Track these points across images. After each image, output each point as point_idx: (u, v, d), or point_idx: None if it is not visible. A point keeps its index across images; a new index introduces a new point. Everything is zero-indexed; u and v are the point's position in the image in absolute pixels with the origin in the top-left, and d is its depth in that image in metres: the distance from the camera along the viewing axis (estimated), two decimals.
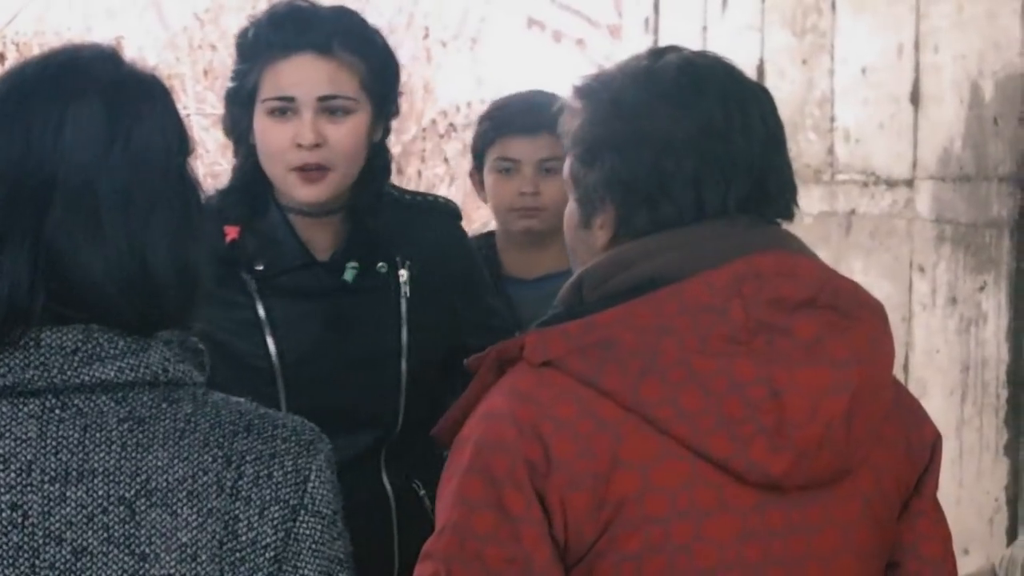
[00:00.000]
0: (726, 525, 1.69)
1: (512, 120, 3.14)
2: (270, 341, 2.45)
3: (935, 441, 1.85)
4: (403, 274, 2.51)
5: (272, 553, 1.49)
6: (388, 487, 2.52)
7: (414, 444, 2.53)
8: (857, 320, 1.75)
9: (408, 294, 2.50)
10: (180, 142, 1.57)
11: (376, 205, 2.54)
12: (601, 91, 1.81)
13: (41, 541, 1.46)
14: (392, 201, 2.58)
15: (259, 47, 2.47)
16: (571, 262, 1.89)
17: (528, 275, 3.13)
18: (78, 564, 1.46)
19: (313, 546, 1.51)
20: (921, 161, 3.62)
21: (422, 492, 2.56)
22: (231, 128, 2.55)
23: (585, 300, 1.77)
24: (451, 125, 12.91)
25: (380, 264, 2.50)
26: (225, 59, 13.06)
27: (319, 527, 1.52)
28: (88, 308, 1.50)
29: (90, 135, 1.50)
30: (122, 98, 1.53)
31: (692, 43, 5.18)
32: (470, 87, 15.20)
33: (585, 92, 1.83)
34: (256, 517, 1.49)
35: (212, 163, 12.48)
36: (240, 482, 1.49)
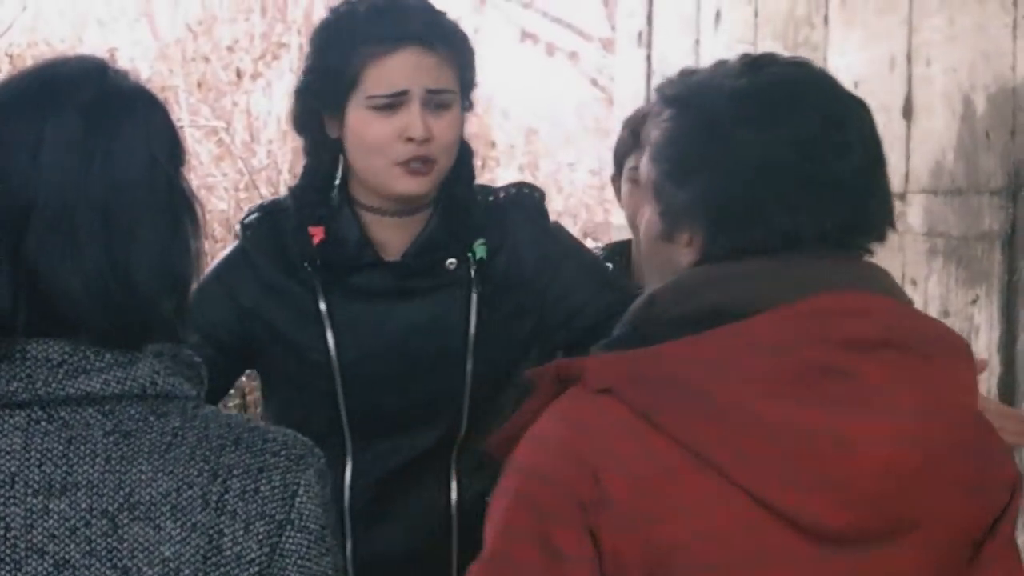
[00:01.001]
0: (780, 575, 1.61)
1: None
2: (330, 337, 2.42)
3: (1016, 482, 1.75)
4: (473, 271, 2.45)
5: (257, 568, 1.48)
6: (454, 496, 2.47)
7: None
8: (932, 360, 1.66)
9: (479, 290, 2.45)
10: (170, 154, 1.56)
11: (471, 198, 2.51)
12: (691, 103, 1.72)
13: (23, 554, 1.46)
14: (473, 202, 2.53)
15: (357, 40, 2.40)
16: (645, 274, 1.82)
17: None
18: None
19: (299, 562, 1.50)
20: (913, 174, 3.62)
21: None
22: (304, 125, 2.49)
23: (655, 321, 1.69)
24: None
25: (449, 261, 2.45)
26: (218, 71, 13.05)
27: (305, 543, 1.51)
28: (69, 324, 1.49)
29: (67, 154, 1.49)
30: (102, 114, 1.52)
31: (684, 57, 5.18)
32: None
33: (673, 101, 1.74)
34: (241, 532, 1.48)
35: (206, 175, 12.46)
36: (226, 496, 1.48)
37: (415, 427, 2.42)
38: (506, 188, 2.59)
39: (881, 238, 1.75)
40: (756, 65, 1.75)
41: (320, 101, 2.44)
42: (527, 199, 2.56)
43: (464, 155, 2.49)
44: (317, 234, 2.43)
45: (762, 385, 1.60)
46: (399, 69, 2.38)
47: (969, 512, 1.70)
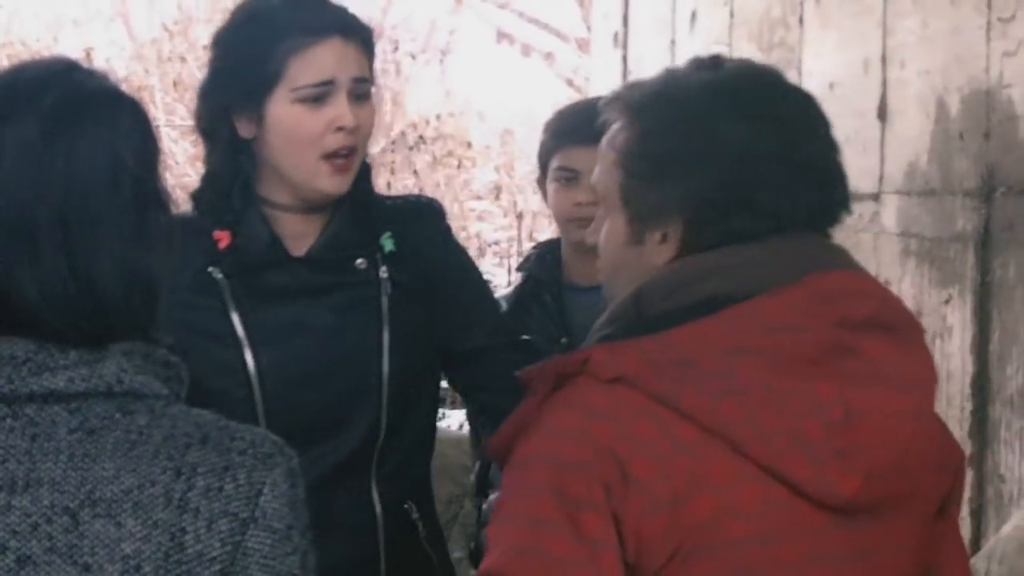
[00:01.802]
0: (798, 547, 1.64)
1: (572, 130, 3.12)
2: (244, 342, 2.37)
3: (960, 462, 1.82)
4: (384, 270, 2.43)
5: (219, 567, 1.47)
6: (377, 503, 2.42)
7: (409, 461, 2.46)
8: (910, 339, 1.73)
9: (390, 291, 2.42)
10: (139, 155, 1.55)
11: (373, 194, 2.50)
12: (659, 103, 1.75)
13: None
14: (376, 200, 2.52)
15: (276, 33, 2.36)
16: (608, 280, 1.83)
17: (586, 282, 3.12)
18: (21, 573, 1.45)
19: (262, 560, 1.49)
20: (887, 175, 3.64)
21: (415, 515, 2.47)
22: (212, 126, 2.42)
23: (643, 316, 1.71)
24: (420, 137, 12.95)
25: (359, 260, 2.42)
26: (194, 71, 13.03)
27: (269, 541, 1.50)
28: (28, 327, 1.50)
29: (25, 160, 1.50)
30: (63, 117, 1.52)
31: (660, 58, 5.20)
32: (439, 100, 15.23)
33: (636, 105, 1.77)
34: (204, 530, 1.47)
35: (182, 175, 12.45)
36: (189, 494, 1.47)
37: (335, 432, 2.37)
38: (405, 196, 2.61)
39: (839, 221, 1.79)
40: (710, 64, 1.79)
41: (234, 99, 2.38)
42: (427, 206, 2.56)
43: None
44: (223, 238, 2.39)
45: (778, 363, 1.63)
46: (326, 58, 2.35)
47: (938, 488, 1.76)
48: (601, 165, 1.82)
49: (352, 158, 2.38)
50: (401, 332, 2.41)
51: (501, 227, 14.01)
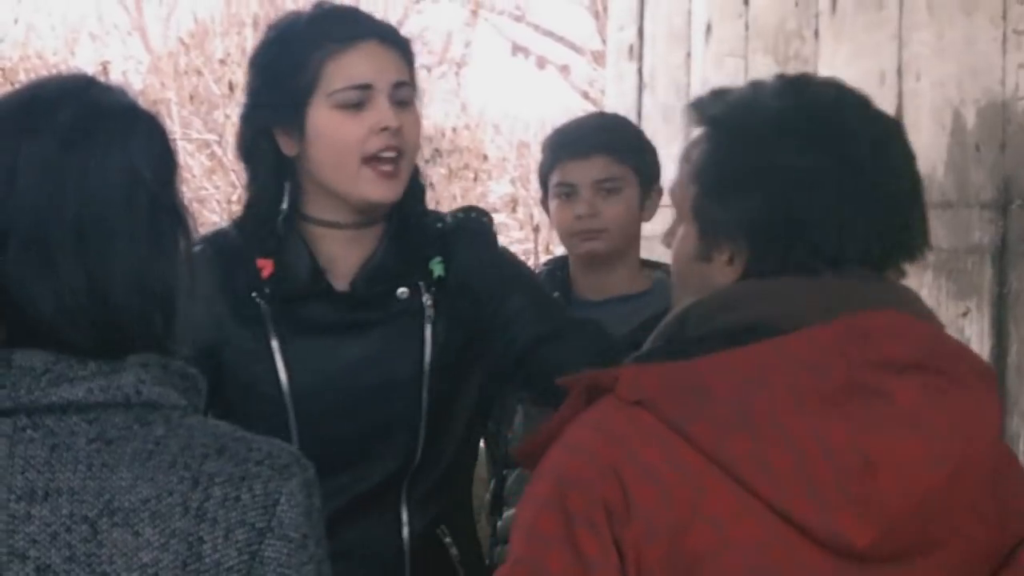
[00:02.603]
0: None
1: (566, 145, 3.15)
2: (281, 371, 2.34)
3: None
4: (427, 298, 2.37)
5: None
6: (405, 528, 2.38)
7: (442, 485, 2.41)
8: (962, 385, 1.67)
9: (433, 317, 2.37)
10: (156, 169, 1.57)
11: (422, 217, 2.44)
12: (733, 122, 1.73)
13: (6, 558, 1.48)
14: (427, 222, 2.45)
15: (309, 44, 2.33)
16: (677, 291, 1.81)
17: (596, 297, 3.12)
18: None
19: (279, 570, 1.50)
20: None
21: (447, 539, 2.42)
22: (254, 150, 2.38)
23: (685, 337, 1.70)
24: (436, 151, 12.95)
25: (401, 290, 2.37)
26: (210, 84, 13.07)
27: (286, 551, 1.51)
28: (45, 338, 1.51)
29: (41, 176, 1.51)
30: (79, 133, 1.53)
31: (675, 70, 5.20)
32: (455, 113, 15.25)
33: (713, 120, 1.74)
34: (221, 539, 1.48)
35: (198, 188, 12.48)
36: (207, 503, 1.49)
37: (370, 458, 2.35)
38: (454, 213, 2.52)
39: (916, 258, 1.76)
40: (797, 85, 1.76)
41: (275, 114, 2.35)
42: (475, 224, 2.48)
43: (415, 170, 2.42)
44: (266, 267, 2.36)
45: (794, 401, 1.61)
46: (361, 62, 2.32)
47: (990, 538, 1.71)
48: (678, 173, 1.80)
49: (399, 164, 2.33)
50: (443, 360, 2.37)
51: (517, 240, 14.01)
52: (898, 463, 1.60)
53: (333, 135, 2.32)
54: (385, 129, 2.31)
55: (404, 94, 2.35)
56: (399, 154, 2.33)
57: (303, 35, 2.35)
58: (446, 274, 2.40)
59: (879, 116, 1.77)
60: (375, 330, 2.37)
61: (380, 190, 2.33)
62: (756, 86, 1.77)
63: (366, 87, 2.31)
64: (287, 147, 2.35)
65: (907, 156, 1.75)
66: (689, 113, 1.79)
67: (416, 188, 2.42)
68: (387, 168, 2.32)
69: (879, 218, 1.69)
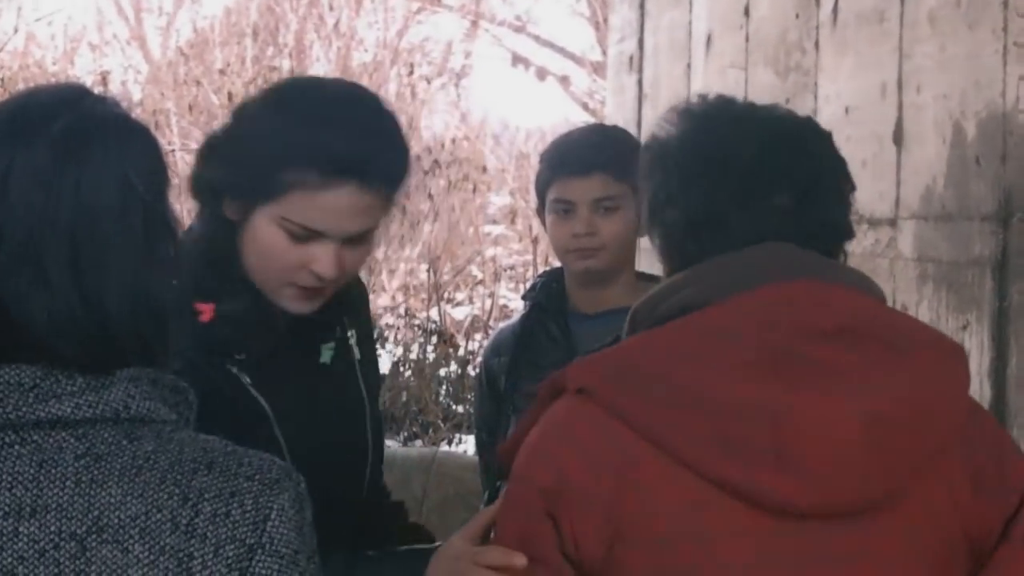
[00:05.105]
0: (741, 550, 1.70)
1: (565, 162, 3.10)
2: (279, 435, 2.20)
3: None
4: (352, 334, 2.34)
5: None
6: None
7: (379, 526, 2.39)
8: (908, 355, 1.74)
9: (359, 356, 2.35)
10: (149, 180, 1.56)
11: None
12: (656, 145, 1.91)
13: None
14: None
15: (296, 154, 2.12)
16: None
17: (592, 310, 3.11)
18: None
19: None
20: (904, 200, 3.62)
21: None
22: (200, 191, 2.22)
23: (635, 333, 1.82)
24: (436, 161, 12.93)
25: (349, 333, 2.33)
26: (210, 95, 13.07)
27: (276, 567, 1.49)
28: (35, 351, 1.50)
29: (34, 186, 1.50)
30: (73, 143, 1.52)
31: (675, 82, 5.19)
32: (454, 124, 15.25)
33: (647, 144, 1.93)
34: (211, 555, 1.47)
35: None
36: (196, 520, 1.47)
37: (333, 505, 2.25)
38: None
39: (845, 239, 1.87)
40: (724, 103, 1.91)
41: (227, 187, 2.18)
42: (358, 283, 2.42)
43: None
44: (206, 312, 2.17)
45: (711, 368, 1.71)
46: (327, 213, 2.12)
47: (956, 501, 1.75)
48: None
49: (326, 290, 2.20)
50: (372, 393, 2.38)
51: (516, 251, 14.01)
52: (809, 417, 1.68)
53: (268, 250, 2.16)
54: (317, 275, 2.17)
55: (362, 236, 2.19)
56: (327, 288, 2.21)
57: (291, 134, 2.14)
58: (353, 317, 2.37)
59: (782, 117, 1.91)
60: (332, 375, 2.33)
61: (300, 306, 2.21)
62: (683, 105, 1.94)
63: (318, 233, 2.14)
64: (230, 212, 2.20)
65: (821, 141, 1.88)
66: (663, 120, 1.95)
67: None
68: (310, 292, 2.20)
69: (787, 196, 1.82)
